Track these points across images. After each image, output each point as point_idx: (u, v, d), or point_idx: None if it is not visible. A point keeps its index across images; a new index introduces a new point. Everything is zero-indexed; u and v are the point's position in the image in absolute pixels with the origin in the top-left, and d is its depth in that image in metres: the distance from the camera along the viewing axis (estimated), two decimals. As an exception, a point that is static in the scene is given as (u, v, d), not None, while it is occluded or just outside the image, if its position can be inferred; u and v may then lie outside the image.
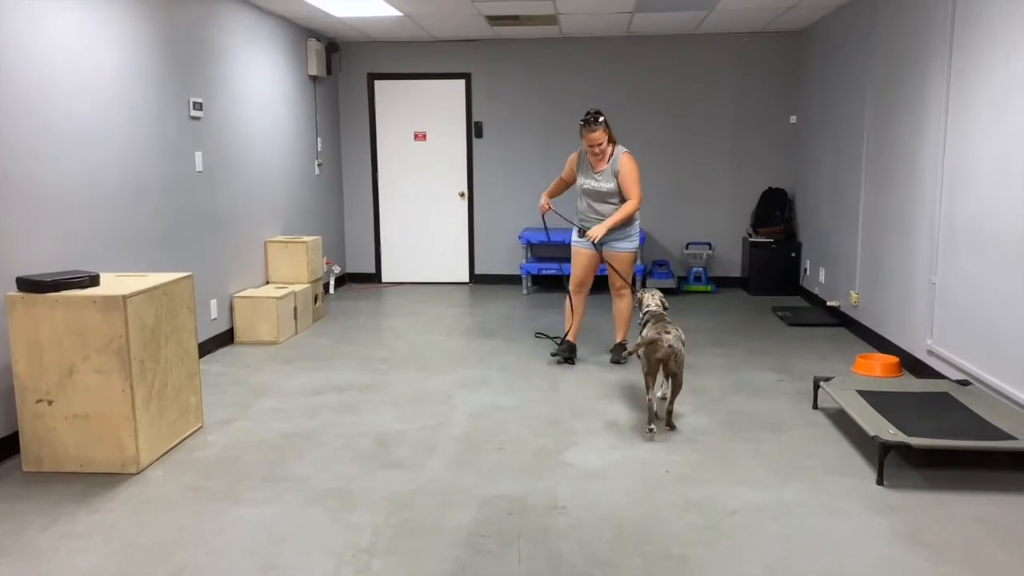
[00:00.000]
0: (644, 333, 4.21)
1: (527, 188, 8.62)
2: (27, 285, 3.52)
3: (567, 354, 5.37)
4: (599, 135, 5.02)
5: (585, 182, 5.22)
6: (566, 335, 5.45)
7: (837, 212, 6.74)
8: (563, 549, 2.88)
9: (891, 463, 3.60)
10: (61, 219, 4.15)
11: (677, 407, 4.37)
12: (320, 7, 6.55)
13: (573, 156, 5.33)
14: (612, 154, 5.13)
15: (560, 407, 4.49)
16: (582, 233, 5.27)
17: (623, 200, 5.15)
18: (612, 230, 5.12)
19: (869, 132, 5.95)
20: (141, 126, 4.89)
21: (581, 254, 5.33)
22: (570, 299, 5.42)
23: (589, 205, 5.25)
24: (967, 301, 4.41)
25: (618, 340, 5.45)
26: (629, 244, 5.27)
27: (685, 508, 3.21)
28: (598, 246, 5.20)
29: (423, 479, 3.51)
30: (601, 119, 5.03)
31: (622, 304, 5.39)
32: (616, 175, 5.11)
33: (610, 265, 5.29)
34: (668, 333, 4.00)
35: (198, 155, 5.58)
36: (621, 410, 4.42)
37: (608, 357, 5.51)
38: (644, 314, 4.44)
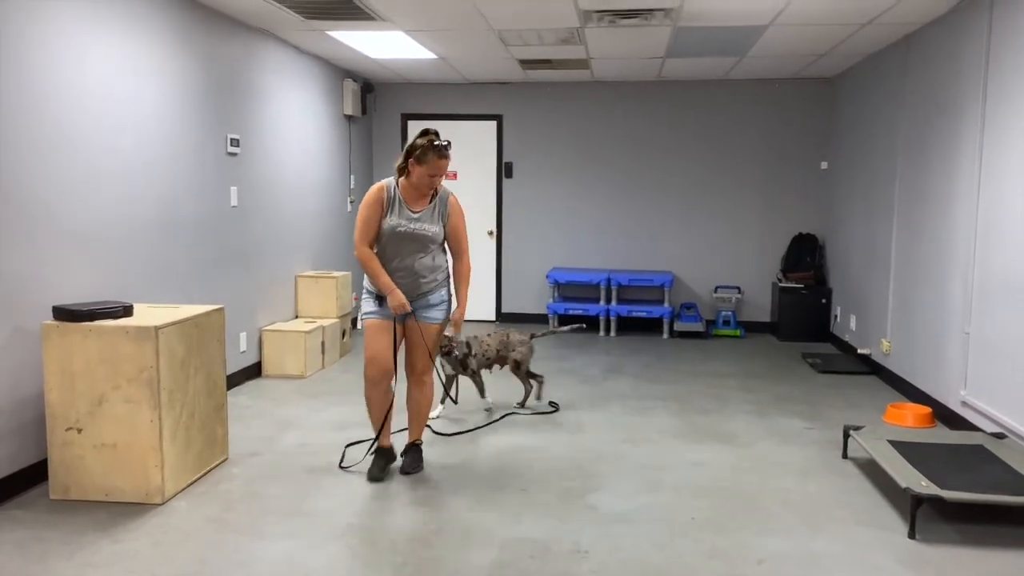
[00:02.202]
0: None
1: (555, 228, 8.66)
2: (63, 314, 3.59)
3: (381, 470, 3.98)
4: (446, 164, 3.82)
5: (398, 223, 3.83)
6: (376, 440, 4.06)
7: (868, 259, 6.67)
8: (585, 594, 2.83)
9: (923, 516, 3.51)
10: (98, 250, 4.24)
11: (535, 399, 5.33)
12: (357, 48, 6.70)
13: (376, 192, 3.86)
14: (438, 192, 3.95)
15: (585, 449, 4.45)
16: (382, 300, 3.92)
17: (441, 252, 4.04)
18: (425, 292, 3.97)
19: (901, 179, 5.92)
20: (179, 161, 5.00)
21: (382, 328, 3.92)
22: (370, 392, 3.98)
23: (396, 257, 3.89)
24: (1003, 352, 4.33)
25: (412, 439, 4.17)
26: (441, 312, 4.06)
27: (710, 556, 3.15)
28: (409, 315, 3.94)
29: (445, 518, 3.49)
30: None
31: (422, 394, 4.10)
32: (445, 219, 3.97)
33: (412, 341, 4.01)
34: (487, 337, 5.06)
35: (233, 190, 5.68)
36: (647, 454, 4.37)
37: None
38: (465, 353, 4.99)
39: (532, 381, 5.33)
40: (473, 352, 4.98)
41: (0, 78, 3.54)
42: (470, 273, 4.16)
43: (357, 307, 8.18)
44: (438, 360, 4.56)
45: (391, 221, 3.84)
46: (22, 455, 3.73)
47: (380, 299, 3.94)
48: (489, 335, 5.16)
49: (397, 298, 3.86)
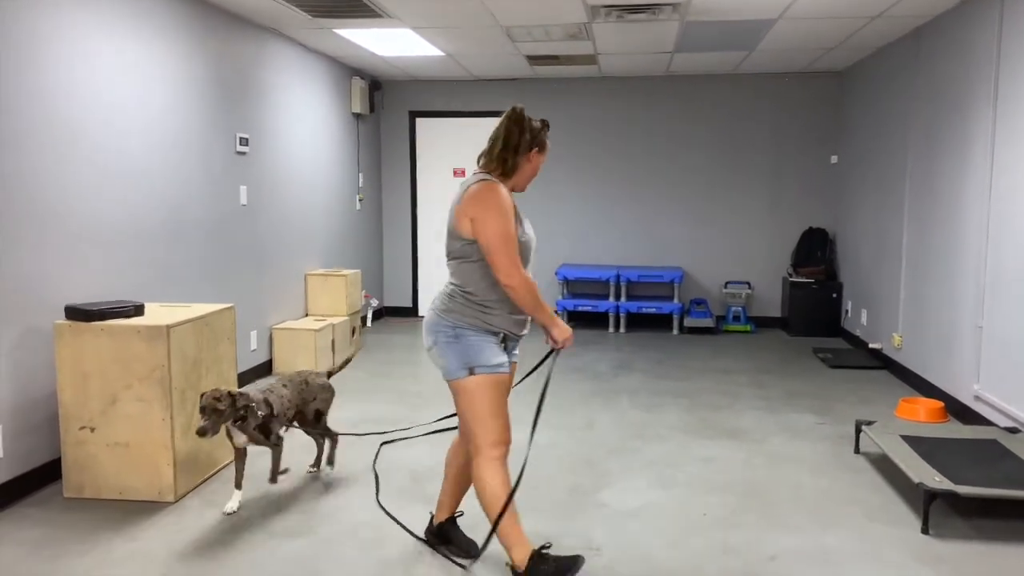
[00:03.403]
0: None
1: (565, 225, 8.65)
2: (75, 314, 3.61)
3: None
4: None
5: (530, 235, 2.93)
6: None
7: (879, 253, 6.64)
8: (597, 591, 2.83)
9: (937, 511, 3.49)
10: (109, 250, 4.26)
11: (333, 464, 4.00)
12: (365, 46, 6.70)
13: (510, 196, 2.86)
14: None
15: (595, 446, 4.45)
16: (507, 343, 2.88)
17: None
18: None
19: (911, 173, 5.88)
20: (189, 161, 5.02)
21: (507, 385, 2.89)
22: (503, 475, 2.82)
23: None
24: (1016, 346, 4.30)
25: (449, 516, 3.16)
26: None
27: (723, 552, 3.14)
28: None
29: (456, 515, 3.49)
30: None
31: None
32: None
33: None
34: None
35: (243, 189, 5.70)
36: (657, 450, 4.37)
37: None
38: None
39: (326, 439, 3.99)
40: (275, 412, 3.56)
41: (11, 80, 3.56)
42: None
43: (367, 305, 8.20)
44: (224, 429, 3.40)
45: (525, 233, 2.86)
46: (36, 454, 3.75)
47: (505, 341, 2.87)
48: (284, 385, 3.70)
49: (565, 330, 2.86)
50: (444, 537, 3.13)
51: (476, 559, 3.03)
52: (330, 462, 3.98)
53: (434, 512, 3.19)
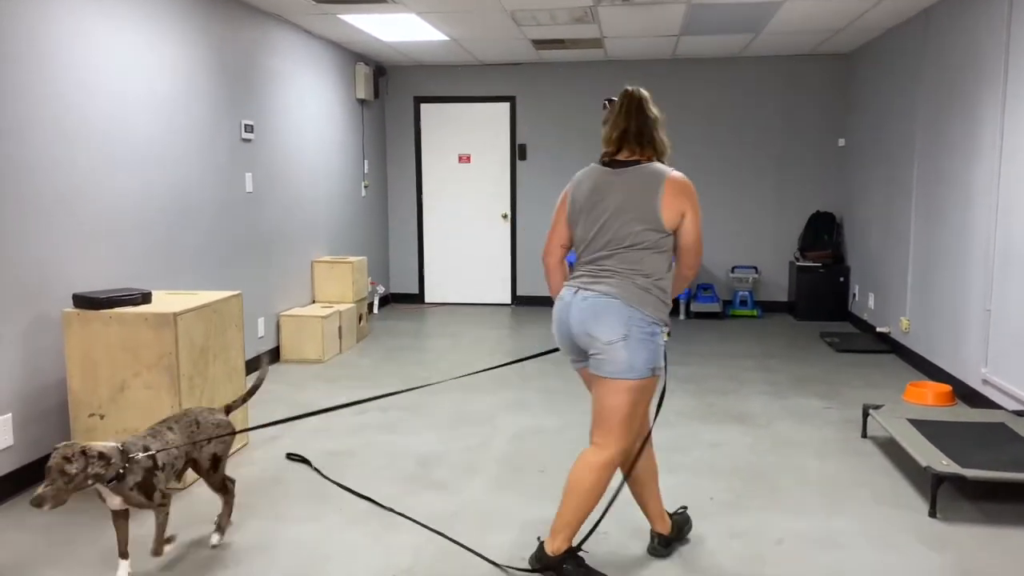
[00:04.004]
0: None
1: (570, 210, 8.62)
2: (82, 302, 3.62)
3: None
4: None
5: None
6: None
7: (887, 236, 6.61)
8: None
9: (944, 495, 3.49)
10: (116, 238, 4.27)
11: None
12: (369, 32, 6.68)
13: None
14: None
15: (602, 431, 4.45)
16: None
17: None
18: None
19: (920, 155, 5.84)
20: (194, 148, 5.02)
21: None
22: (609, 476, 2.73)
23: None
24: (1024, 329, 4.28)
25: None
26: None
27: (730, 536, 3.15)
28: None
29: (464, 500, 3.50)
30: None
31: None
32: None
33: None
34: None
35: (248, 176, 5.70)
36: (664, 436, 4.37)
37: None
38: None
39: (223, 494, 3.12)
40: (160, 464, 2.78)
41: (17, 69, 3.56)
42: None
43: (373, 291, 8.21)
44: (98, 489, 2.66)
45: None
46: (46, 440, 3.78)
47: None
48: (171, 428, 2.91)
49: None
50: (562, 561, 2.76)
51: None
52: (219, 528, 3.08)
53: (658, 532, 3.00)
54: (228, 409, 3.18)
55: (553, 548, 2.72)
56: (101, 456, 2.57)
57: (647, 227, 2.65)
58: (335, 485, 3.67)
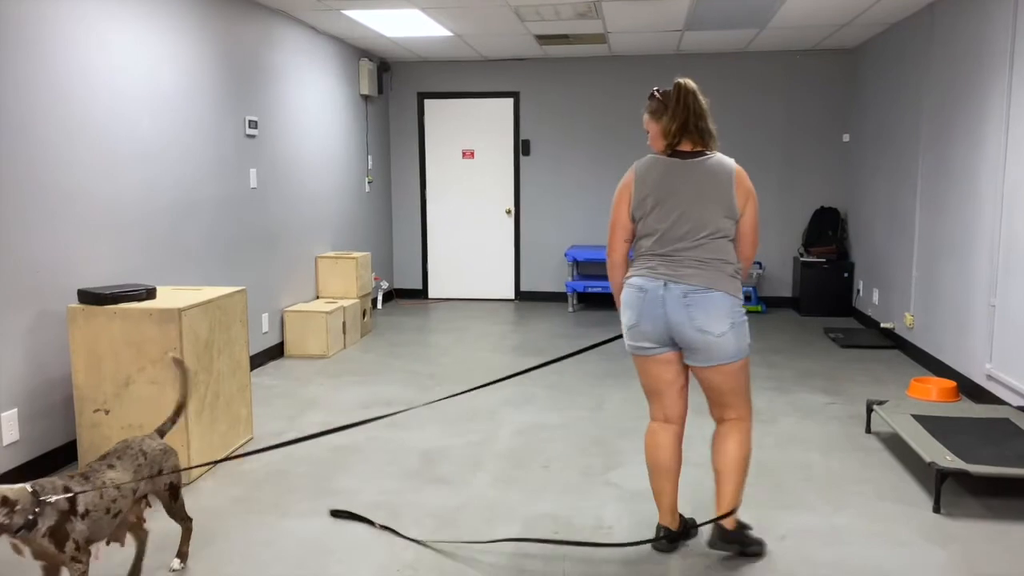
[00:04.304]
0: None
1: (574, 206, 8.62)
2: (87, 297, 3.63)
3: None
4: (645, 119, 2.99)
5: None
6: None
7: (892, 232, 6.60)
8: (607, 571, 2.84)
9: (948, 491, 3.49)
10: (120, 234, 4.28)
11: None
12: (373, 27, 6.67)
13: None
14: None
15: (606, 427, 4.46)
16: None
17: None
18: None
19: (925, 151, 5.83)
20: (198, 144, 5.02)
21: None
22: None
23: None
24: (1029, 325, 4.27)
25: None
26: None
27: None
28: None
29: (468, 495, 3.51)
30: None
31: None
32: None
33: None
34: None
35: (252, 172, 5.70)
36: (668, 430, 4.37)
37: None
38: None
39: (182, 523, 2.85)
40: (83, 510, 2.34)
41: (21, 64, 3.57)
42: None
43: (377, 287, 8.22)
44: (10, 542, 2.26)
45: None
46: (52, 436, 3.79)
47: None
48: (111, 465, 2.51)
49: None
50: (740, 536, 2.93)
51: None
52: (181, 556, 2.87)
53: (664, 525, 3.01)
54: (161, 432, 2.78)
55: (732, 524, 2.91)
56: (4, 502, 2.16)
57: (726, 215, 2.77)
58: (386, 531, 3.67)
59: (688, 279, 2.74)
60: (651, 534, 3.09)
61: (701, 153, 2.81)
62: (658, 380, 2.91)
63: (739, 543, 2.93)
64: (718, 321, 2.72)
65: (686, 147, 2.82)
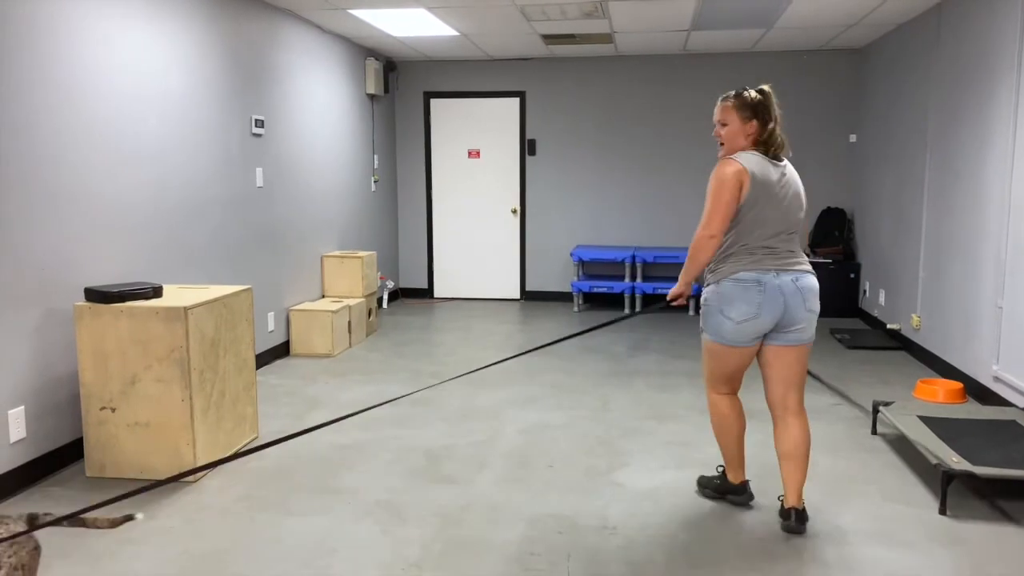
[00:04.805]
0: None
1: (580, 205, 8.62)
2: (94, 295, 3.65)
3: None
4: (719, 111, 3.25)
5: None
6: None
7: (898, 233, 6.58)
8: (613, 571, 2.84)
9: (955, 492, 3.48)
10: (127, 233, 4.29)
11: None
12: (379, 27, 6.68)
13: None
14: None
15: (610, 426, 4.46)
16: None
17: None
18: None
19: (932, 151, 5.81)
20: (205, 143, 5.03)
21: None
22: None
23: None
24: (1036, 326, 4.26)
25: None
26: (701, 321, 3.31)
27: (738, 532, 3.14)
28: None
29: (472, 495, 3.51)
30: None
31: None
32: None
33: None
34: None
35: (259, 171, 5.71)
36: (672, 430, 4.37)
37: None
38: None
39: None
40: None
41: (28, 64, 3.58)
42: (692, 246, 3.11)
43: (382, 286, 8.23)
44: None
45: None
46: (58, 433, 3.81)
47: None
48: None
49: None
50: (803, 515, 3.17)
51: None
52: None
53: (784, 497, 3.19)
54: (32, 521, 2.13)
55: (802, 505, 3.14)
56: None
57: (804, 214, 3.17)
58: None
59: (793, 267, 3.06)
60: (657, 534, 3.08)
61: (780, 159, 3.13)
62: (739, 368, 3.20)
63: (804, 520, 3.16)
64: (817, 300, 3.11)
65: (769, 150, 3.10)
